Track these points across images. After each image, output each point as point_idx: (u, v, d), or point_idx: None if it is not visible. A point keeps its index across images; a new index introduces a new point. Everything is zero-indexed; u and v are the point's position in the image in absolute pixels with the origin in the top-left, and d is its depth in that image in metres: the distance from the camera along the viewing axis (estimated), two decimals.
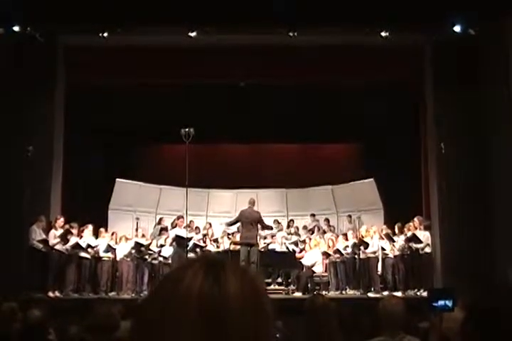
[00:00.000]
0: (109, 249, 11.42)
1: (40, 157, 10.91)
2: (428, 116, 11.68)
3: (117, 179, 13.78)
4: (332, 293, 11.32)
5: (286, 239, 12.95)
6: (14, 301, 5.56)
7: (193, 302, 0.79)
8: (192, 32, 11.09)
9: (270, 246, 12.82)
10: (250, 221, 10.74)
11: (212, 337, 0.78)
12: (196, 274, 0.82)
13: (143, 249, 11.54)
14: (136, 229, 12.06)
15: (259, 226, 11.02)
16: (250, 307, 0.81)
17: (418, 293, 10.59)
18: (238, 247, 11.51)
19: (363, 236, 11.52)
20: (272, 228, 12.46)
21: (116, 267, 11.63)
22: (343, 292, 11.61)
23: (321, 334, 3.33)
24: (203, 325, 0.78)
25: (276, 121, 13.64)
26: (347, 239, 11.95)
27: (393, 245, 11.20)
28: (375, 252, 11.34)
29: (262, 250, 12.17)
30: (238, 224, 11.29)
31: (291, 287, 11.96)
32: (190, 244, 11.56)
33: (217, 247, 12.78)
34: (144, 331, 0.82)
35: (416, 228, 10.95)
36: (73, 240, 10.94)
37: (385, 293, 10.58)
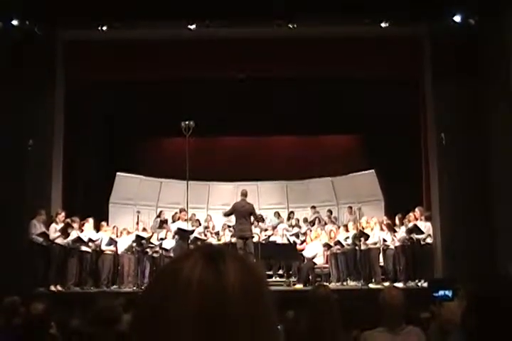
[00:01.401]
0: (111, 242, 11.44)
1: (40, 151, 10.91)
2: (428, 107, 11.65)
3: (118, 173, 13.78)
4: (333, 285, 11.34)
5: (287, 230, 12.96)
6: (16, 295, 5.57)
7: (193, 292, 0.79)
8: (191, 25, 11.05)
9: (271, 238, 12.84)
10: (243, 214, 10.65)
11: (213, 328, 0.77)
12: (196, 264, 0.81)
13: (144, 242, 11.56)
14: (137, 223, 12.07)
15: (252, 218, 10.96)
16: (251, 296, 0.81)
17: (419, 284, 10.62)
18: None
19: (363, 228, 11.53)
20: (263, 219, 12.38)
21: (117, 260, 11.66)
22: (344, 283, 11.64)
23: (323, 325, 3.34)
24: (203, 316, 0.77)
25: (277, 113, 13.62)
26: (348, 231, 11.96)
27: (394, 236, 11.22)
28: (375, 243, 11.36)
29: (263, 242, 12.18)
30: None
31: (292, 279, 11.99)
32: (192, 236, 11.58)
33: (218, 240, 12.81)
34: (144, 322, 0.82)
35: (417, 219, 10.95)
36: (74, 234, 10.96)
37: (386, 283, 10.59)
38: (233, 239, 12.31)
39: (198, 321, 0.77)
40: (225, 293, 0.79)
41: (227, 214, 11.27)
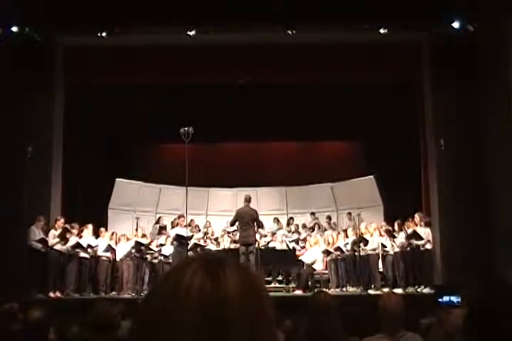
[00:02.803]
0: (109, 248, 11.42)
1: (39, 157, 10.90)
2: (427, 113, 11.67)
3: (117, 179, 13.77)
4: (332, 291, 11.31)
5: (287, 236, 12.94)
6: (15, 302, 5.55)
7: (193, 300, 0.79)
8: (190, 31, 11.07)
9: (270, 244, 12.82)
10: (247, 220, 10.62)
11: (213, 336, 0.77)
12: (196, 272, 0.82)
13: (143, 248, 11.54)
14: (136, 229, 12.05)
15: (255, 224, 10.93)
16: (250, 305, 0.81)
17: (419, 290, 10.60)
18: (238, 246, 11.49)
19: (362, 234, 11.52)
20: (262, 226, 12.20)
21: (116, 267, 11.63)
22: (344, 289, 11.61)
23: (323, 331, 3.33)
24: (203, 324, 0.78)
25: (276, 119, 13.63)
26: (347, 236, 11.94)
27: (394, 241, 11.20)
28: (375, 249, 11.34)
29: (262, 248, 12.16)
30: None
31: (292, 285, 11.96)
32: (191, 242, 11.55)
33: (218, 246, 12.79)
34: (144, 330, 0.82)
35: (416, 225, 10.94)
36: (73, 240, 10.94)
37: (386, 289, 10.57)
38: (232, 246, 12.30)
39: (198, 329, 0.77)
40: (224, 301, 0.79)
41: (232, 223, 11.16)
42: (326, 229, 13.24)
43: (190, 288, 0.80)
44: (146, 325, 0.82)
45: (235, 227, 12.19)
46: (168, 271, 0.86)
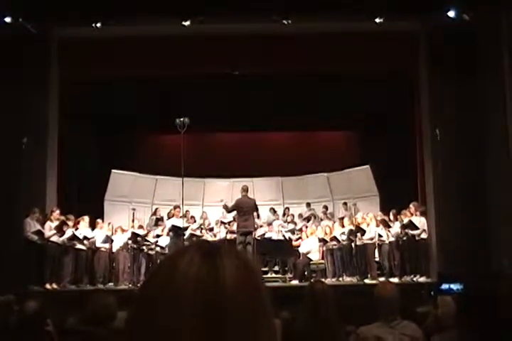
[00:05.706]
0: (107, 239, 11.41)
1: (35, 149, 10.87)
2: (423, 103, 11.66)
3: (113, 170, 13.75)
4: (329, 280, 11.34)
5: (283, 227, 12.96)
6: (11, 294, 5.56)
7: (189, 288, 0.78)
8: (186, 21, 11.00)
9: (267, 235, 12.83)
10: (246, 209, 10.67)
11: (211, 324, 0.77)
12: (192, 260, 0.81)
13: (139, 239, 11.54)
14: (133, 220, 12.04)
15: (255, 213, 10.99)
16: (247, 291, 0.81)
17: (415, 279, 10.65)
18: (235, 236, 11.51)
19: (359, 223, 11.54)
20: (258, 216, 12.17)
21: (112, 258, 11.63)
22: (340, 279, 11.65)
23: (320, 320, 3.35)
24: (200, 312, 0.77)
25: (272, 109, 13.60)
26: (343, 226, 11.95)
27: (389, 231, 11.23)
28: (372, 239, 11.37)
29: (259, 238, 12.18)
30: (234, 212, 11.26)
31: (288, 275, 12.00)
32: (187, 233, 11.57)
33: (214, 236, 12.80)
34: (141, 319, 0.81)
35: (412, 214, 10.96)
36: (69, 232, 10.93)
37: (382, 279, 10.62)
38: (228, 236, 12.32)
39: (196, 317, 0.77)
40: (221, 288, 0.79)
41: (230, 211, 11.20)
42: (322, 220, 13.26)
43: (187, 276, 0.79)
44: (143, 313, 0.81)
45: (231, 218, 12.22)
46: (165, 259, 0.86)
